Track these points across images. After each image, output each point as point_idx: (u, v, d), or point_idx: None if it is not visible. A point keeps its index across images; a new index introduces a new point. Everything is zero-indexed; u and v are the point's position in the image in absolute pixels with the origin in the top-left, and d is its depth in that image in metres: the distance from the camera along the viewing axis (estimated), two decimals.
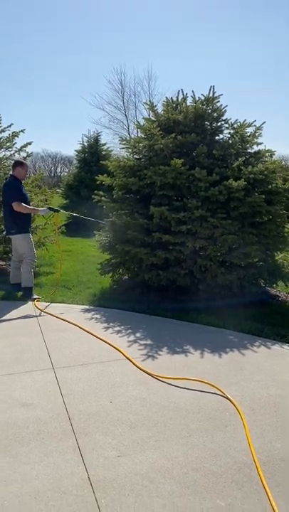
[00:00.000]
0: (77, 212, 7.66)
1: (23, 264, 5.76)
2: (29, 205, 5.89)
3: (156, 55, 57.81)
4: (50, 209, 6.02)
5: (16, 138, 7.70)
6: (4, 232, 6.32)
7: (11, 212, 5.62)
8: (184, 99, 5.86)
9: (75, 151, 15.73)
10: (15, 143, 7.75)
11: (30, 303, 5.48)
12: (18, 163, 5.91)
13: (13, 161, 6.38)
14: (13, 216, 5.65)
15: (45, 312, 5.09)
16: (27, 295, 5.69)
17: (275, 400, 3.13)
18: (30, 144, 7.73)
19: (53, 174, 56.17)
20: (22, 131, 7.74)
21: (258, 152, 5.75)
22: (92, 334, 4.37)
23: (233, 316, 4.93)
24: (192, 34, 56.62)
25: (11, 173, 5.94)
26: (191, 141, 5.48)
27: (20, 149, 7.78)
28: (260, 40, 59.22)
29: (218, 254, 5.17)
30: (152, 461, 2.45)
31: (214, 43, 58.89)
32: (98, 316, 4.96)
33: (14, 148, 7.77)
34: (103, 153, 15.13)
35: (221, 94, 5.63)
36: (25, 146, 7.74)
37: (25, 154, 7.88)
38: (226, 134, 5.84)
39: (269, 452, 2.54)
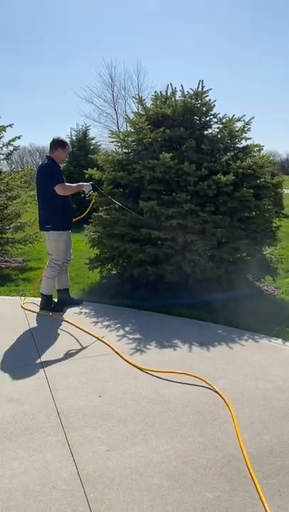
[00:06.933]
0: None
1: (46, 267, 4.93)
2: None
3: (147, 49, 57.71)
4: (93, 186, 5.00)
5: (3, 132, 7.60)
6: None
7: (48, 203, 4.72)
8: (173, 93, 5.82)
9: None
10: (2, 136, 7.65)
11: (17, 298, 5.43)
12: (58, 144, 4.79)
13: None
14: (51, 207, 4.72)
15: (33, 307, 5.05)
16: (43, 304, 4.91)
17: (263, 393, 3.15)
18: (19, 137, 7.61)
19: None
20: (10, 125, 7.63)
21: (247, 147, 5.75)
22: (80, 329, 4.35)
23: (221, 310, 4.95)
24: (187, 31, 56.62)
25: (48, 154, 4.87)
26: (179, 135, 5.46)
27: (9, 143, 7.67)
28: (249, 37, 59.44)
29: (207, 248, 5.18)
30: (141, 455, 2.45)
31: (206, 41, 58.95)
32: (87, 311, 4.94)
33: (1, 142, 7.67)
34: (92, 147, 15.02)
35: (210, 89, 5.59)
36: (13, 140, 7.63)
37: (12, 148, 7.78)
38: (214, 129, 5.80)
39: (257, 445, 2.56)
